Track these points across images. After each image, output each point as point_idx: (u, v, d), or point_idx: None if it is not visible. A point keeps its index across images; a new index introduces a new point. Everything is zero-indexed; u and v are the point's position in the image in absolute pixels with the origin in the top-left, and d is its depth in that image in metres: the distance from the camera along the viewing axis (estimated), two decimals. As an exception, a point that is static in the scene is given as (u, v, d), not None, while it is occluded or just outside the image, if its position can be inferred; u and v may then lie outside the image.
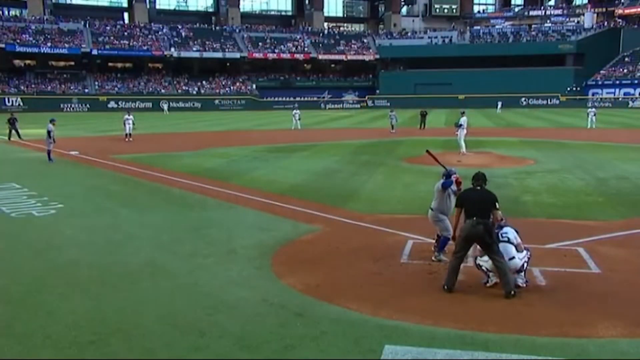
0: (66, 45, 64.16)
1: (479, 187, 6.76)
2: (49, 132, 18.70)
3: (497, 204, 6.61)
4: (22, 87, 61.83)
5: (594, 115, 33.75)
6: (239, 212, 11.05)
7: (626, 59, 69.18)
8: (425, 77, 69.16)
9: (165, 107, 60.58)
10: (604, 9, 77.75)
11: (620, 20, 73.85)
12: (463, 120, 19.44)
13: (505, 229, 6.91)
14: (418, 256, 7.86)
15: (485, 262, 6.72)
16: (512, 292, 6.28)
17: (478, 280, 6.85)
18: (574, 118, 40.53)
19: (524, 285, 6.68)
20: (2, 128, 28.06)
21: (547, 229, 9.20)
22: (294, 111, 34.51)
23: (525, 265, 6.78)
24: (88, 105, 61.65)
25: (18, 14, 71.13)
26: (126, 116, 26.67)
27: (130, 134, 26.17)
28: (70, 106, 60.89)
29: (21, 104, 58.53)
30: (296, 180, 14.79)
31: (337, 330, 5.44)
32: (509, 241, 6.79)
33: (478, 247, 6.84)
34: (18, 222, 10.20)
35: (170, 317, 5.80)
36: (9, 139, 26.31)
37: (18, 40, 62.39)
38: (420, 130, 31.91)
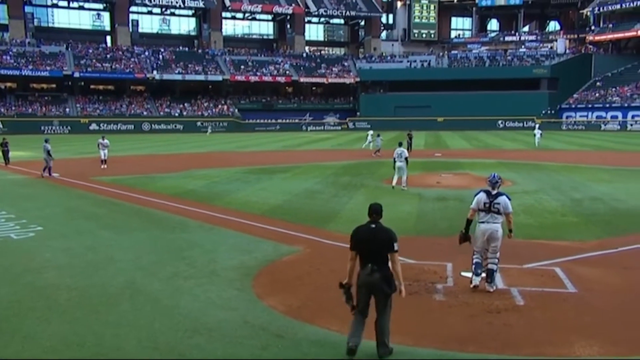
0: (48, 67, 63.64)
1: (373, 225, 5.48)
2: (48, 151, 20.17)
3: (395, 244, 5.29)
4: (2, 110, 60.99)
5: (540, 135, 36.65)
6: (220, 233, 11.03)
7: (598, 84, 71.20)
8: (404, 99, 70.15)
9: (209, 128, 62.01)
10: (576, 36, 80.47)
11: (591, 46, 76.34)
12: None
13: (498, 199, 7.34)
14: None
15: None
16: (388, 354, 5.33)
17: (458, 301, 6.94)
18: (550, 140, 41.32)
19: (492, 290, 7.21)
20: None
21: (525, 249, 9.35)
22: (370, 132, 35.20)
23: (495, 269, 7.31)
24: (69, 128, 60.96)
25: (-1, 37, 70.55)
26: (100, 140, 24.45)
27: (104, 160, 23.85)
28: (51, 128, 60.06)
29: (1, 126, 57.64)
30: (277, 202, 14.82)
31: (318, 352, 5.46)
32: (498, 212, 7.32)
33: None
34: (-5, 246, 10.02)
35: (150, 340, 5.75)
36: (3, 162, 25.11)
37: (-1, 63, 61.76)
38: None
